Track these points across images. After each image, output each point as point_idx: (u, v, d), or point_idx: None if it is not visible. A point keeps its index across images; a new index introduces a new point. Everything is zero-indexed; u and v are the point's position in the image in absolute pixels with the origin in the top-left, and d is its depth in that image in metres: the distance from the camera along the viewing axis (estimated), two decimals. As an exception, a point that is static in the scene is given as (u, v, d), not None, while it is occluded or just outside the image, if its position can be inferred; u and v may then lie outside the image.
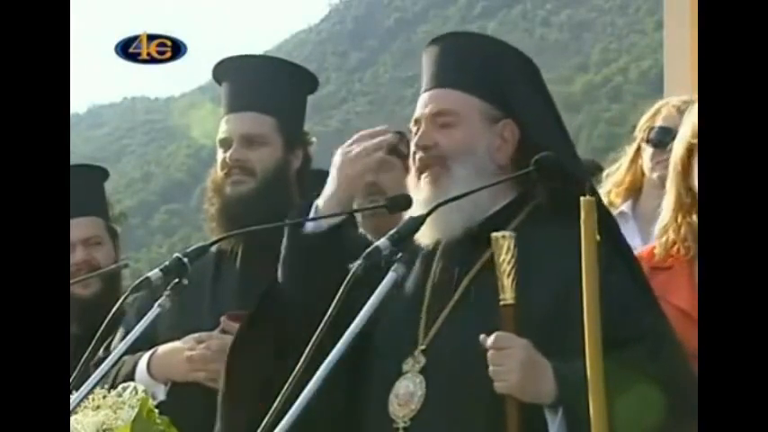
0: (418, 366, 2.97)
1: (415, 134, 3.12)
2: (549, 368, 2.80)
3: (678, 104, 4.03)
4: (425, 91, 3.14)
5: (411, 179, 3.13)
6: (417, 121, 3.13)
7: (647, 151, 4.05)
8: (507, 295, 2.83)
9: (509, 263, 2.83)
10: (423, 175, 3.08)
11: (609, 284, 2.84)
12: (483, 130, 3.08)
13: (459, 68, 3.11)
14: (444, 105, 3.08)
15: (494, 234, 2.86)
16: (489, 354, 2.79)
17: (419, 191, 3.08)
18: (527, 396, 2.79)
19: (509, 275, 2.83)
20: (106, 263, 4.29)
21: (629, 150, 4.13)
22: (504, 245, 2.84)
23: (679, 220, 3.34)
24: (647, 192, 4.10)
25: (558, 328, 2.85)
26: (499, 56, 3.14)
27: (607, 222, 3.01)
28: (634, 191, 4.14)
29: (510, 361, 2.78)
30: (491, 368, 2.79)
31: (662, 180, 3.95)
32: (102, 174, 4.48)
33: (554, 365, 2.80)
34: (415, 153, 3.11)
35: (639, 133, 4.08)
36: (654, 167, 4.04)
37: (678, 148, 3.36)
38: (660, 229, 3.39)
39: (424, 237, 3.05)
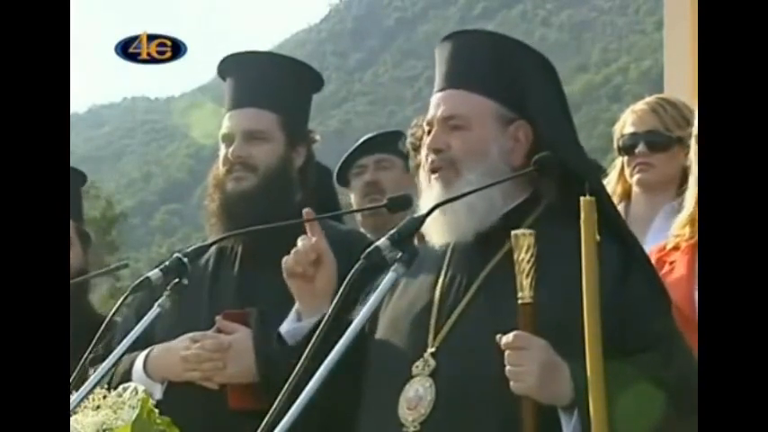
0: (428, 369, 2.92)
1: (428, 135, 3.10)
2: (566, 369, 2.76)
3: (638, 109, 4.16)
4: (438, 91, 3.11)
5: (423, 179, 3.11)
6: (430, 123, 3.10)
7: (624, 159, 4.19)
8: (525, 294, 2.77)
9: (528, 261, 2.77)
10: (434, 177, 3.05)
11: (624, 290, 2.86)
12: (496, 132, 3.04)
13: (473, 69, 3.07)
14: (456, 108, 3.05)
15: (514, 231, 2.81)
16: (507, 354, 2.75)
17: (430, 192, 3.04)
18: (544, 397, 2.75)
19: (528, 274, 2.77)
20: (74, 266, 4.23)
21: (617, 162, 4.25)
22: (525, 243, 2.78)
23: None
24: (634, 197, 4.22)
25: (573, 329, 2.78)
26: (513, 55, 3.09)
27: (618, 224, 3.00)
28: (625, 197, 4.25)
29: (528, 362, 2.74)
30: (508, 368, 2.75)
31: (639, 184, 4.16)
32: (79, 178, 4.42)
33: (571, 367, 2.76)
34: (427, 155, 3.09)
35: (616, 144, 4.21)
36: (631, 173, 4.17)
37: (692, 143, 3.41)
38: (685, 218, 3.47)
39: (437, 237, 3.04)
